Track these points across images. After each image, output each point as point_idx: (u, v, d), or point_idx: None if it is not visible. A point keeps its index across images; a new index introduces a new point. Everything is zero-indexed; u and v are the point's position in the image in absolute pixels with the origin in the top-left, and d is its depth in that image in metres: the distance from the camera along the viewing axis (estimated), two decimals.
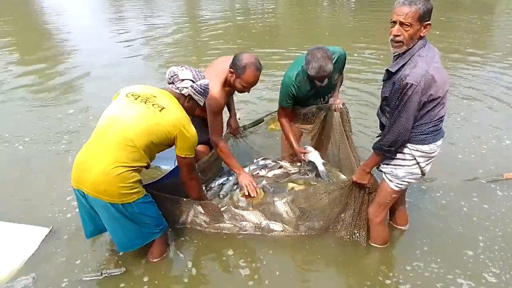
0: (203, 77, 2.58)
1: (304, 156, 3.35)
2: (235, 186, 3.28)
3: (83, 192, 2.36)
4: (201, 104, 2.65)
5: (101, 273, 2.65)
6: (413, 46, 2.18)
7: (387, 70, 2.31)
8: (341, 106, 3.26)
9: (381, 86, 2.42)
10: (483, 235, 2.99)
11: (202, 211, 2.96)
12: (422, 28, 2.13)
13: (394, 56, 2.29)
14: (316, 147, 3.58)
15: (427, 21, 2.12)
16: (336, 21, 12.87)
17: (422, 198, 3.43)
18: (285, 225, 2.95)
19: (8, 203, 3.46)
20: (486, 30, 10.48)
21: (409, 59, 2.17)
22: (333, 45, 3.12)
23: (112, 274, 2.66)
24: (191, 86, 2.51)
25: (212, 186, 3.36)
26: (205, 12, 14.53)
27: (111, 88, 4.93)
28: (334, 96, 3.35)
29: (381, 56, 7.83)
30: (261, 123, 3.71)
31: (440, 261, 2.76)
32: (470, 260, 2.77)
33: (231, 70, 2.88)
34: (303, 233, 2.95)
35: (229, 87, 3.01)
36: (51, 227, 3.03)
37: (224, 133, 3.40)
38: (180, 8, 15.27)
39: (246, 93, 3.02)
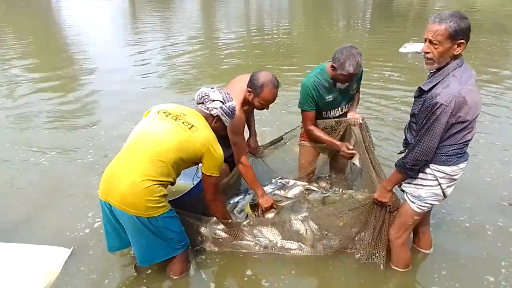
0: (231, 99, 2.66)
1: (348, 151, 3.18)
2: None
3: (110, 205, 2.40)
4: (227, 124, 2.72)
5: None
6: (447, 65, 2.14)
7: (419, 87, 2.28)
8: (361, 121, 3.23)
9: (412, 103, 2.40)
10: (505, 260, 2.89)
11: (221, 228, 2.95)
12: (456, 46, 2.08)
13: (429, 74, 2.27)
14: (334, 166, 3.56)
15: (460, 39, 2.06)
16: (352, 40, 12.91)
17: (446, 220, 3.35)
18: (302, 244, 2.92)
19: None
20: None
21: (443, 79, 2.14)
22: None
23: None
24: (221, 108, 2.58)
25: (229, 202, 3.36)
26: (222, 33, 14.76)
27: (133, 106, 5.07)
28: (351, 111, 3.32)
29: (398, 74, 7.85)
30: (280, 141, 3.69)
31: (459, 286, 2.68)
32: (490, 286, 2.68)
33: (249, 89, 2.90)
34: (321, 253, 2.90)
35: (247, 106, 3.03)
36: (72, 248, 3.00)
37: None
38: (197, 30, 15.50)
39: (265, 110, 3.03)
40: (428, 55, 2.15)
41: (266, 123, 5.26)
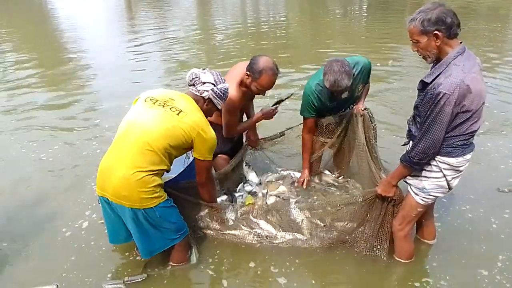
0: (223, 80, 2.59)
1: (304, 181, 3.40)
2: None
3: (107, 199, 2.38)
4: (219, 107, 2.66)
5: (123, 281, 2.65)
6: (446, 55, 2.11)
7: (422, 80, 2.24)
8: (363, 110, 3.20)
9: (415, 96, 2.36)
10: (504, 254, 2.84)
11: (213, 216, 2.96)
12: (434, 38, 2.08)
13: (431, 65, 2.25)
14: (337, 160, 3.55)
15: (434, 31, 2.06)
16: (350, 29, 12.91)
17: (450, 211, 3.32)
18: (300, 235, 2.90)
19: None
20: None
21: (445, 68, 2.10)
22: (357, 55, 3.09)
23: (133, 281, 2.65)
24: (212, 90, 2.51)
25: (230, 194, 3.35)
26: (217, 22, 14.62)
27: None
28: (357, 103, 3.28)
29: (400, 62, 7.84)
30: (281, 137, 3.67)
31: (449, 278, 2.66)
32: (485, 280, 2.64)
33: (248, 72, 2.87)
34: (320, 245, 2.90)
35: (245, 88, 2.99)
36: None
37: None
38: (193, 20, 15.36)
39: (262, 95, 3.01)
40: (418, 53, 2.20)
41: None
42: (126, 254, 2.92)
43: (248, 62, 2.93)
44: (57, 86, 7.28)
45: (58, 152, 4.61)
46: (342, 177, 3.59)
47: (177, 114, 2.39)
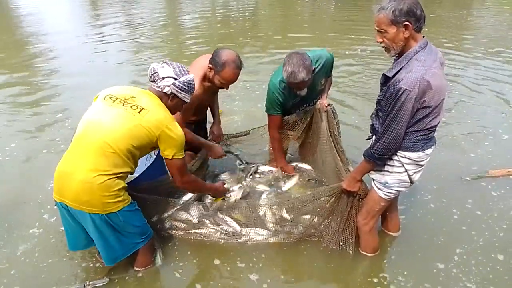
0: (186, 72, 2.43)
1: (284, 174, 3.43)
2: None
3: (66, 205, 2.25)
4: (187, 101, 2.49)
5: (84, 285, 2.55)
6: (409, 49, 2.10)
7: (384, 74, 2.23)
8: (326, 106, 3.19)
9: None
10: (462, 247, 2.89)
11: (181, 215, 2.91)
12: (403, 29, 2.04)
13: (394, 59, 2.24)
14: (303, 152, 3.53)
15: (404, 21, 2.02)
16: (319, 17, 12.88)
17: (413, 202, 3.37)
18: (265, 231, 2.89)
19: None
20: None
21: (406, 63, 2.09)
22: (321, 47, 3.07)
23: (95, 285, 2.57)
24: (173, 84, 2.36)
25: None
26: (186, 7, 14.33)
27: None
28: (322, 98, 3.28)
29: (369, 50, 7.86)
30: (246, 136, 3.65)
31: (407, 273, 2.69)
32: (441, 273, 2.68)
33: (210, 66, 2.79)
34: (285, 240, 2.89)
35: (208, 82, 2.91)
36: None
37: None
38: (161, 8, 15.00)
39: (225, 89, 2.94)
40: (382, 44, 2.16)
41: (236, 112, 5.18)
42: (88, 259, 2.82)
43: (209, 55, 2.86)
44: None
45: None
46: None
47: (138, 112, 2.26)
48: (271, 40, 9.20)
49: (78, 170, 2.20)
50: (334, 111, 3.23)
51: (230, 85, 2.91)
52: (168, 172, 2.55)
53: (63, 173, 2.25)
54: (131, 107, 2.28)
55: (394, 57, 2.24)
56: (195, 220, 2.92)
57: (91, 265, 2.77)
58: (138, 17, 12.07)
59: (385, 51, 2.19)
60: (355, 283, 2.66)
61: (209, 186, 3.00)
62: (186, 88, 2.41)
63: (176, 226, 2.95)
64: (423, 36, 2.13)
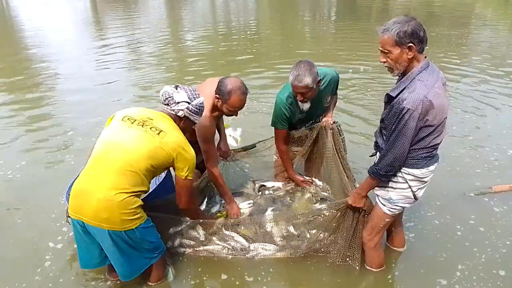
0: (198, 95, 2.54)
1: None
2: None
3: (83, 222, 2.30)
4: (197, 122, 2.62)
5: None
6: (412, 69, 2.16)
7: (387, 94, 2.29)
8: (331, 123, 3.26)
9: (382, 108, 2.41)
10: (464, 263, 2.91)
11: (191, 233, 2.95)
12: (407, 50, 2.11)
13: (397, 79, 2.30)
14: (308, 167, 3.58)
15: (408, 43, 2.09)
16: (320, 34, 13.08)
17: (418, 218, 3.40)
18: (272, 246, 2.92)
19: None
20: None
21: (409, 83, 2.15)
22: (328, 68, 3.15)
23: None
24: (187, 108, 2.47)
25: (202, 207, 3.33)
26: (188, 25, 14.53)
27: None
28: (327, 116, 3.35)
29: (370, 68, 7.92)
30: (253, 149, 3.68)
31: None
32: None
33: (217, 96, 2.86)
34: (292, 255, 2.93)
35: (217, 112, 2.98)
36: None
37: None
38: (163, 29, 15.23)
39: (235, 116, 3.00)
40: (385, 64, 2.22)
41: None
42: (102, 276, 2.84)
43: (215, 80, 2.93)
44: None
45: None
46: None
47: (158, 134, 2.36)
48: (272, 56, 9.35)
49: (99, 188, 2.25)
50: (339, 128, 3.30)
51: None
52: (176, 192, 2.62)
53: (82, 191, 2.30)
54: (150, 128, 2.38)
55: (398, 77, 2.30)
56: (202, 238, 2.96)
57: (101, 283, 2.79)
58: (141, 35, 12.24)
59: (388, 71, 2.25)
60: None
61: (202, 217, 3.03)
62: (198, 111, 2.53)
63: (185, 244, 2.99)
64: (425, 57, 2.19)
